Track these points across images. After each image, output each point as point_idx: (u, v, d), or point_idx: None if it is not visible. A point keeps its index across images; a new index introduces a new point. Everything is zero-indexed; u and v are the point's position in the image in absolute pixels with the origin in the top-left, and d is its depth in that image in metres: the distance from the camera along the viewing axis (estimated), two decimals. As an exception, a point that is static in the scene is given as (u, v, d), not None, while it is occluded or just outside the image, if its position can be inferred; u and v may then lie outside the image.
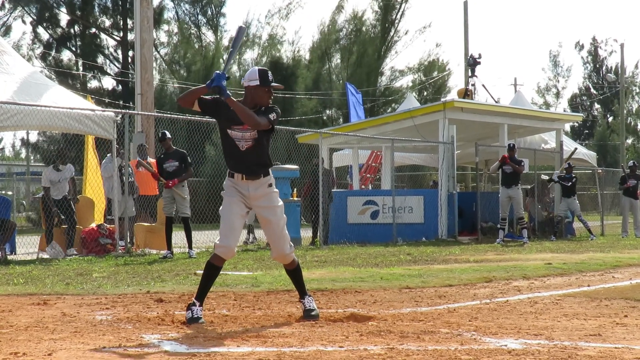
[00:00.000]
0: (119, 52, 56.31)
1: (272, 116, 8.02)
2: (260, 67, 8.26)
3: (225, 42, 61.07)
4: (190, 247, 17.54)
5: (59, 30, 55.76)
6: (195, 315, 7.89)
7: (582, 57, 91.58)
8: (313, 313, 8.23)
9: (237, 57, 58.27)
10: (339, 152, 34.30)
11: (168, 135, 17.74)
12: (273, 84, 8.14)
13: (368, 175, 34.29)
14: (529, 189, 28.16)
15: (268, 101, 8.13)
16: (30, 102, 17.44)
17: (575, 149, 30.24)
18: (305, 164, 24.50)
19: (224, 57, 57.85)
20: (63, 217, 17.92)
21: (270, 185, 8.21)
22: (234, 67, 57.01)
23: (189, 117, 21.55)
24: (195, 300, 7.98)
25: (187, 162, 17.48)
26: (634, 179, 27.80)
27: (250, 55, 60.64)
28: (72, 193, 18.42)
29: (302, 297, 8.38)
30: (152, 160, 20.33)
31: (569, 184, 26.36)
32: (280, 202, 8.26)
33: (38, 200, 21.44)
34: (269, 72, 8.22)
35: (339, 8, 61.99)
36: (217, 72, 7.96)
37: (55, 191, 18.09)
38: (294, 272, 8.47)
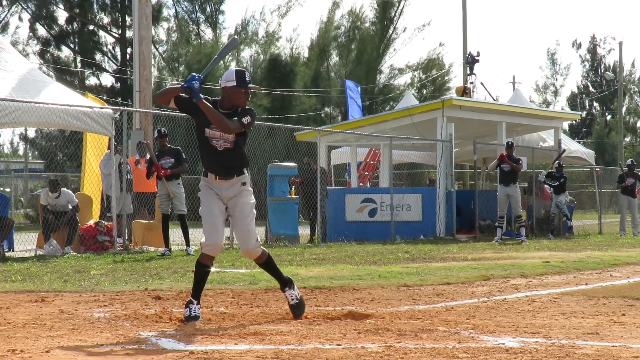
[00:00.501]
0: (118, 49, 56.29)
1: (246, 119, 7.98)
2: (237, 68, 8.26)
3: (224, 39, 61.03)
4: (187, 244, 17.53)
5: (57, 28, 55.73)
6: (194, 314, 7.90)
7: (580, 56, 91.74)
8: (293, 302, 8.27)
9: (235, 52, 58.22)
10: (337, 149, 34.29)
11: (164, 132, 17.79)
12: (250, 85, 8.13)
13: (366, 173, 34.28)
14: (526, 186, 28.17)
15: (245, 102, 8.11)
16: (29, 99, 17.44)
17: (564, 150, 30.24)
18: (303, 161, 24.49)
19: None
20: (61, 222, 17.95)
21: (244, 183, 8.18)
22: (233, 65, 56.91)
23: (187, 115, 21.53)
24: (192, 299, 8.00)
25: (181, 158, 17.54)
26: (632, 177, 27.84)
27: (248, 52, 60.64)
28: (72, 212, 18.31)
29: (283, 288, 8.37)
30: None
31: (556, 184, 26.40)
32: (252, 200, 8.22)
33: (36, 198, 21.42)
34: (247, 73, 8.21)
35: (335, 4, 61.98)
36: (193, 73, 7.98)
37: (53, 207, 18.08)
38: (266, 264, 8.43)
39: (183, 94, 8.01)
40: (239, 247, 8.47)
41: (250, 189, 8.26)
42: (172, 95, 8.03)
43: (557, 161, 27.15)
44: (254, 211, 8.28)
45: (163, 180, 17.22)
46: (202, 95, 7.88)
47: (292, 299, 8.30)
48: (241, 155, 8.16)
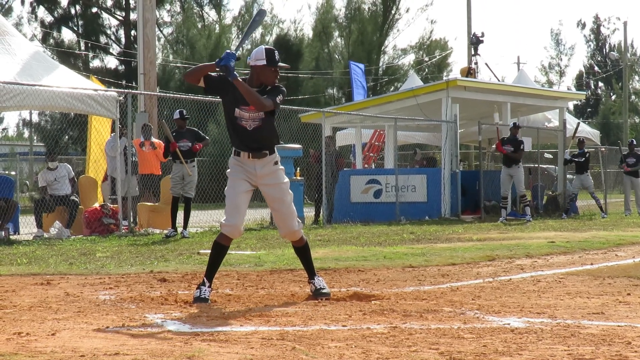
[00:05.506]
0: (122, 31, 56.21)
1: (279, 98, 7.97)
2: (267, 47, 8.17)
3: (228, 20, 60.94)
4: (185, 227, 17.46)
5: (59, 10, 55.62)
6: (203, 296, 7.89)
7: (584, 36, 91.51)
8: (324, 291, 8.20)
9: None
10: (342, 131, 34.29)
11: (186, 115, 17.68)
12: (280, 63, 8.08)
13: (371, 154, 34.28)
14: (532, 167, 28.15)
15: (274, 81, 8.06)
16: (33, 82, 17.43)
17: (578, 123, 30.36)
18: (308, 143, 24.46)
19: (228, 36, 57.71)
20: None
21: (276, 163, 8.17)
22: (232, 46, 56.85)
23: (192, 97, 21.54)
24: (205, 279, 7.99)
25: (200, 135, 17.58)
26: (633, 157, 27.76)
27: (254, 34, 60.52)
28: (73, 192, 18.37)
29: (312, 278, 8.32)
30: (156, 140, 20.28)
31: (582, 160, 26.35)
32: (286, 179, 8.24)
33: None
34: (276, 51, 8.13)
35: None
36: (228, 51, 7.88)
37: (53, 190, 18.12)
38: (303, 250, 8.39)
39: (214, 73, 7.96)
40: (278, 229, 8.47)
41: (282, 167, 8.25)
42: (203, 74, 7.90)
43: (574, 137, 27.16)
44: (291, 191, 8.28)
45: (181, 161, 17.15)
46: (236, 74, 7.83)
47: (319, 283, 8.27)
48: (272, 132, 8.14)
